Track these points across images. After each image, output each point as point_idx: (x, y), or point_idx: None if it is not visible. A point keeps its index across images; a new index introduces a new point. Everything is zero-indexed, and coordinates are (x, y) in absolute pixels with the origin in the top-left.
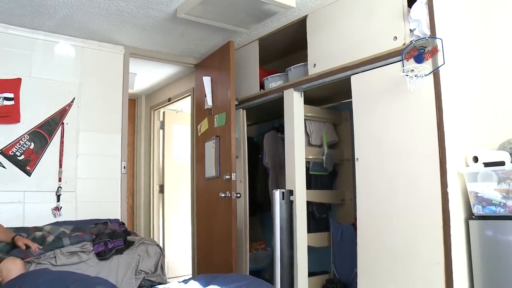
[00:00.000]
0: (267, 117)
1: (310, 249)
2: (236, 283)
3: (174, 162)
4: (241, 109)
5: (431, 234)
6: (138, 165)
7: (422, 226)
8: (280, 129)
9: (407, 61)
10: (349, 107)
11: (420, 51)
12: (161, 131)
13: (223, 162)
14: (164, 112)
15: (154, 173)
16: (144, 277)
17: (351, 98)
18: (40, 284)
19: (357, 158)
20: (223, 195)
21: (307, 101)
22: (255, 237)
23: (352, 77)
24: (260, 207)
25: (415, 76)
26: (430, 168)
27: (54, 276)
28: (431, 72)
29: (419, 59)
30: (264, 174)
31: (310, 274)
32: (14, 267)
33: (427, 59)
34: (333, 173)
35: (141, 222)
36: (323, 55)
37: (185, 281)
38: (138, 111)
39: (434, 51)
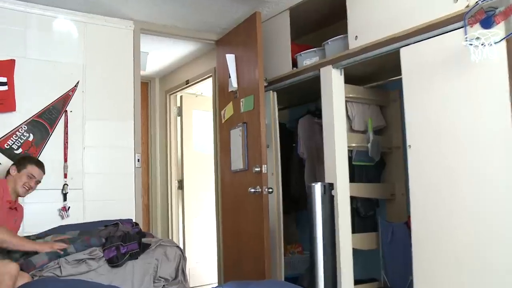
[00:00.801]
0: (301, 100)
1: (356, 253)
2: None
3: (194, 153)
4: (271, 91)
5: (507, 235)
6: (153, 158)
7: (494, 225)
8: (317, 113)
9: (471, 27)
10: (398, 85)
11: (488, 14)
12: (178, 118)
13: (252, 152)
14: (181, 97)
15: (171, 166)
16: (164, 285)
17: (400, 75)
18: None
19: (410, 146)
20: (252, 190)
21: (348, 79)
22: (290, 239)
23: (402, 50)
24: (295, 204)
25: (482, 44)
26: (502, 156)
27: (62, 284)
28: (503, 39)
29: (487, 24)
30: (299, 165)
31: (357, 282)
32: (6, 272)
33: (498, 23)
34: (380, 163)
35: (158, 223)
36: (367, 25)
37: None
38: (152, 96)
39: (508, 12)
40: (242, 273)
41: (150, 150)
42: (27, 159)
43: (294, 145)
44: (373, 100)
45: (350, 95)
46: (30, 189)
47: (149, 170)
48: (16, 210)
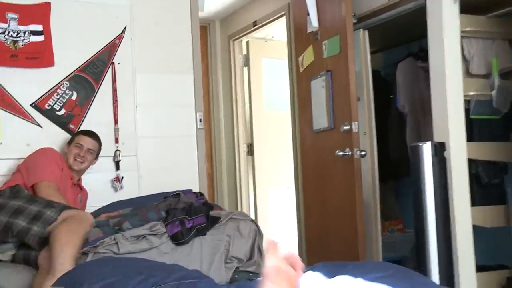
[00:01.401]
0: (400, 40)
1: (478, 231)
2: (375, 274)
3: (266, 111)
4: (361, 30)
5: None
6: (216, 118)
7: None
8: (421, 55)
9: None
10: None
11: None
12: (245, 69)
13: (339, 107)
14: (247, 43)
15: (239, 128)
16: (237, 266)
17: None
18: (106, 273)
19: None
20: (340, 153)
21: (464, 8)
22: (389, 213)
23: None
24: (394, 170)
25: None
26: None
27: (123, 263)
28: None
29: None
30: (399, 122)
31: (480, 269)
32: (87, 218)
33: None
34: (509, 116)
35: (224, 195)
36: None
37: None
38: (211, 42)
39: None
40: (329, 254)
41: (212, 108)
42: (76, 133)
43: (391, 96)
44: (499, 34)
45: (467, 29)
46: (80, 158)
47: (211, 133)
48: (80, 189)
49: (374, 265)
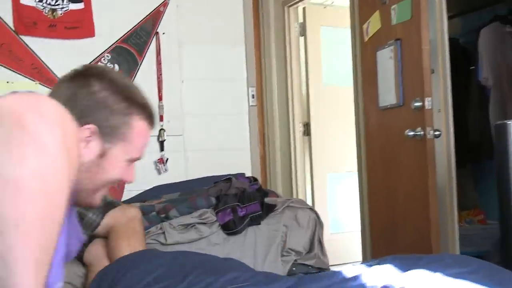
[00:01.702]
0: (483, 1)
1: None
2: (455, 269)
3: (325, 86)
4: None
5: None
6: (269, 94)
7: None
8: (511, 19)
9: None
10: None
11: None
12: (301, 39)
13: (409, 80)
14: (304, 9)
15: (294, 105)
16: (295, 259)
17: None
18: (152, 272)
19: None
20: (411, 133)
21: None
22: (467, 202)
23: None
24: (474, 153)
25: None
26: None
27: (169, 259)
28: None
29: None
30: (481, 97)
31: None
32: (133, 216)
33: None
34: None
35: (278, 180)
36: None
37: (368, 265)
38: (264, 9)
39: None
40: (397, 247)
41: (264, 83)
42: None
43: (472, 68)
44: None
45: None
46: None
47: (263, 110)
48: None
49: (453, 259)
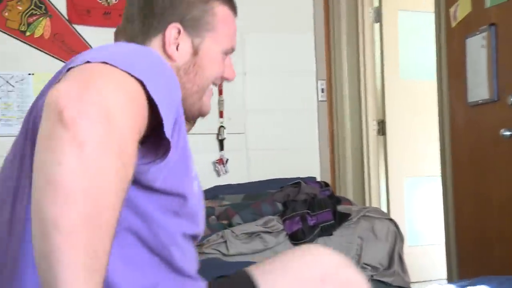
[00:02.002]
0: None
1: None
2: None
3: (403, 79)
4: None
5: None
6: (339, 88)
7: None
8: None
9: None
10: None
11: None
12: (376, 25)
13: (506, 72)
14: None
15: (367, 101)
16: (372, 275)
17: None
18: None
19: None
20: (507, 133)
21: None
22: None
23: None
24: None
25: None
26: None
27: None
28: None
29: None
30: None
31: None
32: None
33: None
34: None
35: (348, 185)
36: None
37: (460, 286)
38: None
39: None
40: (490, 265)
41: (333, 76)
42: None
43: None
44: None
45: None
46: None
47: (332, 106)
48: None
49: None
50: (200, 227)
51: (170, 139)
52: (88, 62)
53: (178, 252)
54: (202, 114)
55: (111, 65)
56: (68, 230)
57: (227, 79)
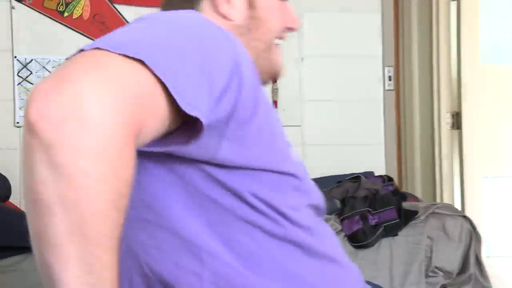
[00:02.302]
0: None
1: None
2: None
3: (483, 66)
4: None
5: None
6: (408, 75)
7: None
8: None
9: None
10: None
11: None
12: (452, 4)
13: None
14: None
15: (440, 90)
16: (444, 282)
17: None
18: None
19: None
20: None
21: None
22: None
23: None
24: None
25: None
26: None
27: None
28: None
29: None
30: None
31: None
32: None
33: None
34: None
35: (416, 184)
36: None
37: None
38: None
39: None
40: None
41: (401, 62)
42: None
43: None
44: None
45: None
46: None
47: (399, 96)
48: None
49: None
50: (319, 194)
51: (193, 114)
52: (82, 50)
53: (308, 232)
54: (277, 74)
55: (104, 50)
56: (53, 243)
57: (292, 29)
